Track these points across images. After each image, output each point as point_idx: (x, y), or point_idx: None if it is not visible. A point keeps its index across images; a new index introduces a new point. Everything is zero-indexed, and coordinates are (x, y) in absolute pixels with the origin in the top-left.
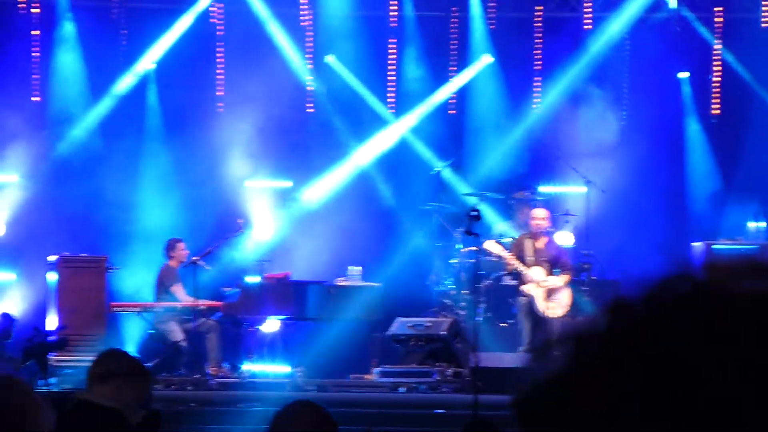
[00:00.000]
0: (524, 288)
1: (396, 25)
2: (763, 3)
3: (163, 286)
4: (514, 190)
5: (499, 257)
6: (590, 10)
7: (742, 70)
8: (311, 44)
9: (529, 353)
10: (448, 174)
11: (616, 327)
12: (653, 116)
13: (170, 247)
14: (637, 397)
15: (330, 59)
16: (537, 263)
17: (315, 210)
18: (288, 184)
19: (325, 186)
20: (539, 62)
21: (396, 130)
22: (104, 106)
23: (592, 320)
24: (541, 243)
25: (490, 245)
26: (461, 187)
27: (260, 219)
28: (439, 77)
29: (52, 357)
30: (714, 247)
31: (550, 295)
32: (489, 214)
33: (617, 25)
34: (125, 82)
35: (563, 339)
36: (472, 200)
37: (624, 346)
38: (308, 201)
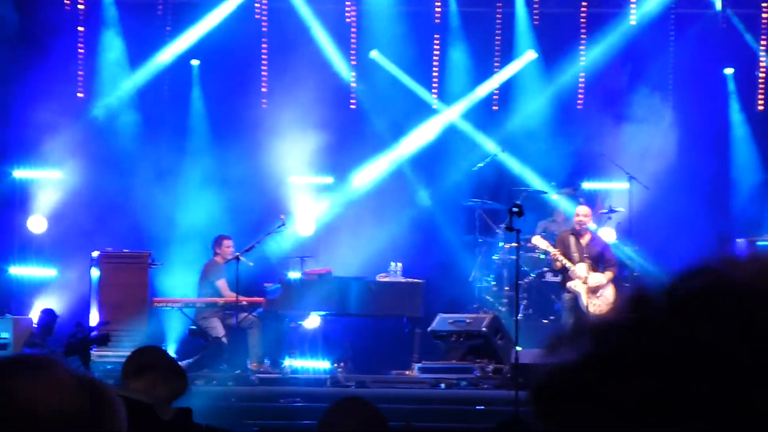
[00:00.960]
0: (569, 284)
1: (440, 21)
2: None
3: (207, 281)
4: (558, 186)
5: (546, 253)
6: (635, 6)
7: None
8: (355, 40)
9: (548, 344)
10: (490, 170)
11: (634, 320)
12: (698, 112)
13: (217, 243)
14: (652, 393)
15: (374, 54)
16: (581, 260)
17: (357, 205)
18: (329, 180)
19: (368, 177)
20: (584, 58)
21: (439, 123)
22: (143, 77)
23: (612, 313)
24: (584, 240)
25: (537, 241)
26: (504, 183)
27: (302, 214)
28: (483, 73)
29: (95, 352)
30: (759, 243)
31: (595, 292)
32: (532, 210)
33: (655, 6)
34: (165, 56)
35: (582, 330)
36: (515, 196)
37: (640, 339)
38: (352, 191)
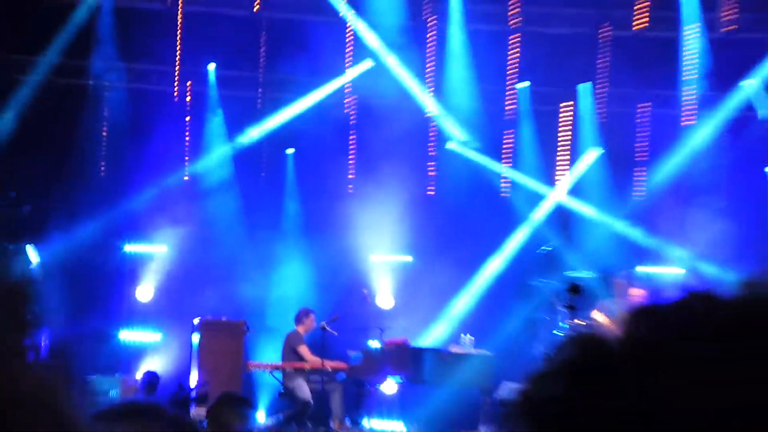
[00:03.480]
0: None
1: (513, 116)
2: None
3: (290, 349)
4: (615, 270)
5: (605, 326)
6: (692, 107)
7: None
8: (433, 133)
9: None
10: (554, 254)
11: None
12: (743, 206)
13: (301, 315)
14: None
15: (451, 145)
16: None
17: (431, 281)
18: (408, 258)
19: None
20: (643, 154)
21: (546, 206)
22: (229, 149)
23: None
24: None
25: (596, 314)
26: (566, 266)
27: (383, 289)
28: (551, 167)
29: (194, 411)
30: None
31: None
32: (591, 291)
33: (710, 128)
34: (251, 134)
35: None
36: (576, 278)
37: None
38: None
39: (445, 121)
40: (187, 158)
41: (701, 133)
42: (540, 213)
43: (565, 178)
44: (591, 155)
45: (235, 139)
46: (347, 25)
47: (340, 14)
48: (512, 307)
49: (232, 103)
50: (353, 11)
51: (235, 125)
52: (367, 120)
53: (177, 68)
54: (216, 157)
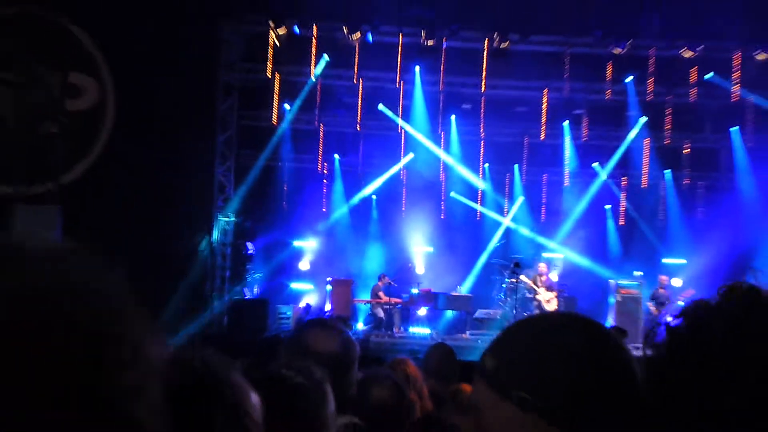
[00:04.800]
0: (538, 297)
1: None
2: (644, 170)
3: (374, 293)
4: (534, 255)
5: (527, 283)
6: (567, 178)
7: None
8: (444, 186)
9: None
10: (505, 245)
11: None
12: (597, 222)
13: (381, 277)
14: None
15: (453, 194)
16: (542, 287)
17: (444, 261)
18: (431, 249)
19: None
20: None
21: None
22: (344, 210)
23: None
24: (543, 278)
25: (523, 278)
26: (511, 252)
27: (419, 262)
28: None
29: None
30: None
31: (548, 302)
32: (522, 265)
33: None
34: (356, 199)
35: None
36: (516, 258)
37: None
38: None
39: (454, 178)
40: (324, 201)
41: (578, 192)
42: (498, 232)
43: (510, 212)
44: (519, 201)
45: (350, 198)
46: (400, 132)
47: (398, 127)
48: (484, 273)
49: (346, 178)
50: (405, 124)
51: (348, 190)
52: (411, 180)
53: (320, 158)
54: (340, 206)
